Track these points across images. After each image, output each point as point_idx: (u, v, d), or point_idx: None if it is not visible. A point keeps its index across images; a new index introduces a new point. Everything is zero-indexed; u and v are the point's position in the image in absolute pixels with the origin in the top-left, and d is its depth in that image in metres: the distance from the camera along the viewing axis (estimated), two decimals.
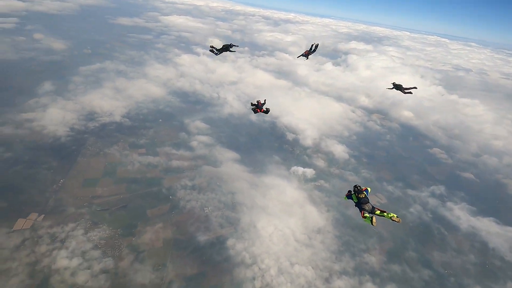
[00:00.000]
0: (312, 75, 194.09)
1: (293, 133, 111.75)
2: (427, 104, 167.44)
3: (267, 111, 23.37)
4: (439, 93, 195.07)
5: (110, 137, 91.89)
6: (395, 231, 70.71)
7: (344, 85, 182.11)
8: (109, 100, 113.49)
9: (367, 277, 57.75)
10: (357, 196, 17.00)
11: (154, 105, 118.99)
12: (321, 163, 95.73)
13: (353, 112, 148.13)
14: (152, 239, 58.20)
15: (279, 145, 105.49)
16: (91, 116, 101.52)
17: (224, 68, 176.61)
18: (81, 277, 47.73)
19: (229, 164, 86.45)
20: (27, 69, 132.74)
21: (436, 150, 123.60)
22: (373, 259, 62.14)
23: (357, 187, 17.36)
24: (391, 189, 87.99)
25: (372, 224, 16.17)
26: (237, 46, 22.83)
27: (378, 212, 16.37)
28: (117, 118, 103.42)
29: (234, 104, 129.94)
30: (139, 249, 55.39)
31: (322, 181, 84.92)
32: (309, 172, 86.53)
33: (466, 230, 75.19)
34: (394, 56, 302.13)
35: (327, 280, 55.47)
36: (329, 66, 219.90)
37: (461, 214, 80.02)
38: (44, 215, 58.99)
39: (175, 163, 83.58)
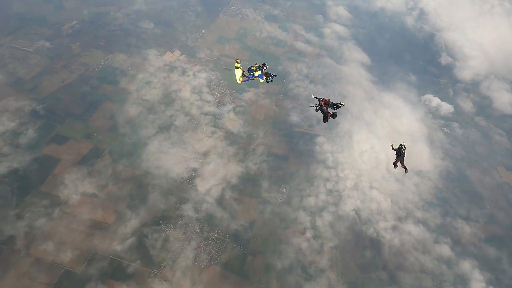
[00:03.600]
0: None
1: (451, 57, 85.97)
2: None
3: (334, 116, 19.09)
4: None
5: (250, 0, 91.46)
6: None
7: None
8: None
9: (447, 239, 50.92)
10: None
11: None
12: (467, 105, 74.51)
13: None
14: (257, 109, 63.24)
15: (425, 65, 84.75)
16: None
17: None
18: (193, 110, 59.06)
19: (353, 66, 76.89)
20: None
21: None
22: (467, 229, 52.83)
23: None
24: None
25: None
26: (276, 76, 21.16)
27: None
28: None
29: None
30: (243, 110, 61.77)
31: (456, 125, 68.31)
32: (446, 108, 69.45)
33: None
34: None
35: (399, 219, 51.80)
36: None
37: None
38: (184, 55, 70.20)
39: (299, 45, 79.65)
